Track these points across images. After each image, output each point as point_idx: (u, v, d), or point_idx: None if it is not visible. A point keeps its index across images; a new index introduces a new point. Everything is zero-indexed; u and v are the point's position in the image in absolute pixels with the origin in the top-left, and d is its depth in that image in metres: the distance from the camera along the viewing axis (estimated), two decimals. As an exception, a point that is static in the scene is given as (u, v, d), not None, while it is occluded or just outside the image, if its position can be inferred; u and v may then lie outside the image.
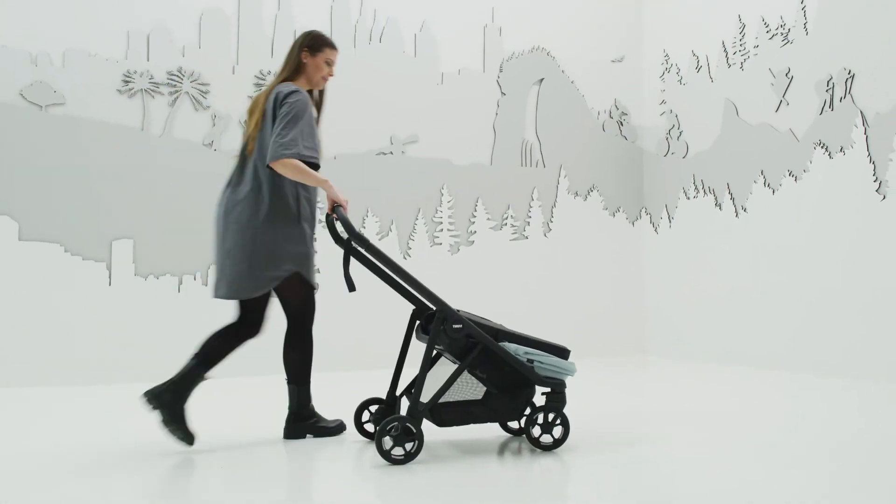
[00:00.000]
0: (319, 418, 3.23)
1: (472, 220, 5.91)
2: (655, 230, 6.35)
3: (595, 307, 6.21)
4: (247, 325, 3.10)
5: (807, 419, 3.51)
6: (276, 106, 3.05)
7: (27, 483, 2.54)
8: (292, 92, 3.05)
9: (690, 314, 5.96)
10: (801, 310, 5.07)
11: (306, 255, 3.12)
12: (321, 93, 3.34)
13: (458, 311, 2.87)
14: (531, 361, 2.87)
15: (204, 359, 2.98)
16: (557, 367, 2.90)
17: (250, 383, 4.73)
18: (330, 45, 3.27)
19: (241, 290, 3.01)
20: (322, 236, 5.38)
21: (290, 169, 2.94)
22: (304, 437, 3.17)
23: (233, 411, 3.89)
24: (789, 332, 5.14)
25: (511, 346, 2.87)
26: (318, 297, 5.36)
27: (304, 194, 3.14)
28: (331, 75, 3.27)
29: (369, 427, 3.31)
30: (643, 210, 6.46)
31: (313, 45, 3.22)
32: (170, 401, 2.89)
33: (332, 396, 4.32)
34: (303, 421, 3.18)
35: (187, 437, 2.93)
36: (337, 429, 3.23)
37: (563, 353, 2.95)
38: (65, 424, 3.58)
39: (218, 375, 4.95)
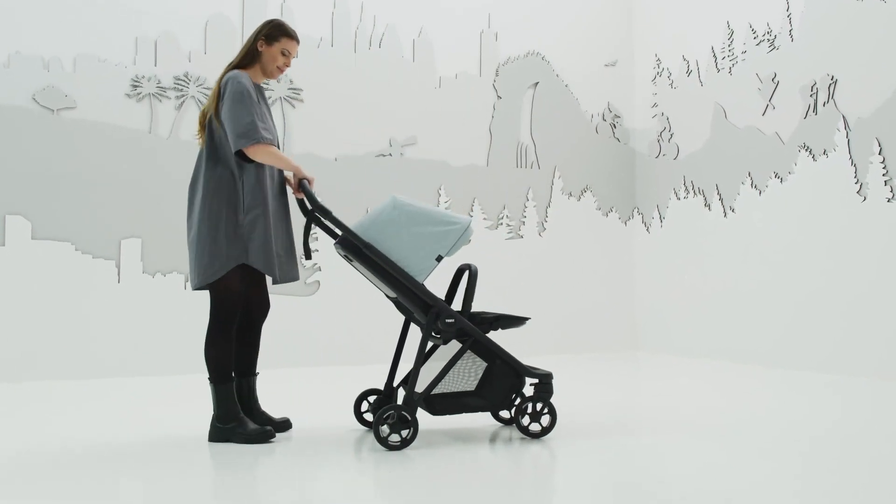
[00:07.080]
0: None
1: (469, 219, 6.08)
2: (647, 229, 6.52)
3: (588, 304, 6.38)
4: None
5: (789, 413, 3.69)
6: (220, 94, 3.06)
7: (36, 474, 2.72)
8: (230, 79, 3.05)
9: (680, 311, 6.14)
10: (786, 307, 5.25)
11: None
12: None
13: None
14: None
15: None
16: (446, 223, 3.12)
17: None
18: (288, 35, 3.18)
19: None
20: (324, 243, 5.56)
21: (263, 154, 2.99)
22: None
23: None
24: (775, 329, 5.32)
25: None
26: (318, 295, 5.57)
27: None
28: (287, 66, 3.20)
29: (368, 416, 3.49)
30: (635, 210, 6.63)
31: (270, 34, 3.17)
32: None
33: (331, 388, 4.52)
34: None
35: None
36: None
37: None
38: (72, 418, 3.75)
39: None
